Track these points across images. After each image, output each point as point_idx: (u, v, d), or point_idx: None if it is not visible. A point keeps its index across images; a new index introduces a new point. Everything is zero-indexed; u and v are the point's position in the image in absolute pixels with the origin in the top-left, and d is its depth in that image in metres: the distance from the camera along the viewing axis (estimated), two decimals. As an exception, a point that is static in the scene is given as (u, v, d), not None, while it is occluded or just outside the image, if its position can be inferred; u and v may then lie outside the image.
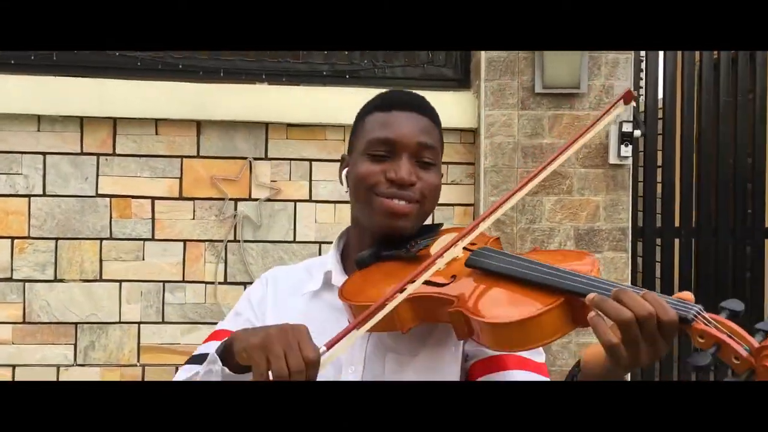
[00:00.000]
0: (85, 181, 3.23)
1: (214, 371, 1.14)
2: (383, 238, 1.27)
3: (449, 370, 1.23)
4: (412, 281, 1.12)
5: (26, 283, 3.20)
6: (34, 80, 3.15)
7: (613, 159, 3.27)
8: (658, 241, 3.71)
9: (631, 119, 3.26)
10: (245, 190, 3.30)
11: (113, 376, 3.23)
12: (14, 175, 3.20)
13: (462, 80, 3.46)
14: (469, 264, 1.16)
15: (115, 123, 3.23)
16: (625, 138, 3.22)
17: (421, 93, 3.68)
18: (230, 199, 3.28)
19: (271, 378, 1.03)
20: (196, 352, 1.34)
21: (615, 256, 3.32)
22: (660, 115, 3.70)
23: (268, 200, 3.31)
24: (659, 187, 3.69)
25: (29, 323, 3.20)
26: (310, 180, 3.33)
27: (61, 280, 3.22)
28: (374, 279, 1.23)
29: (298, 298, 1.34)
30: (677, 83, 3.75)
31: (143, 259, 3.25)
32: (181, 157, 3.28)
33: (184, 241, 3.27)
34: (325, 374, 1.23)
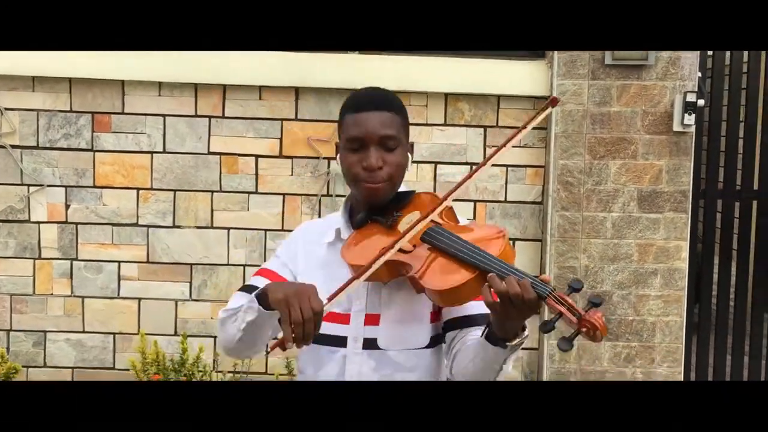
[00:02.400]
0: (198, 140, 3.68)
1: (254, 308, 1.60)
2: (369, 205, 1.72)
3: (424, 301, 1.66)
4: (383, 254, 1.59)
5: (149, 228, 3.70)
6: (155, 52, 3.59)
7: (676, 126, 3.51)
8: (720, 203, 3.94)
9: (695, 90, 3.48)
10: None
11: (222, 310, 3.72)
12: (139, 135, 3.68)
13: (537, 51, 3.73)
14: (423, 239, 1.62)
15: (224, 89, 3.66)
16: (688, 107, 3.45)
17: (496, 62, 4.08)
18: (324, 158, 3.69)
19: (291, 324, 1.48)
20: (248, 282, 1.78)
21: (675, 217, 3.59)
22: (726, 84, 3.89)
23: (358, 159, 3.69)
24: (722, 154, 3.91)
25: (152, 263, 3.71)
26: (396, 142, 3.68)
27: (179, 227, 3.71)
28: (364, 241, 1.68)
29: (320, 246, 1.77)
30: (743, 53, 3.92)
31: (248, 210, 3.71)
32: (282, 120, 3.68)
33: (284, 194, 3.70)
34: (342, 305, 1.70)
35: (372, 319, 1.68)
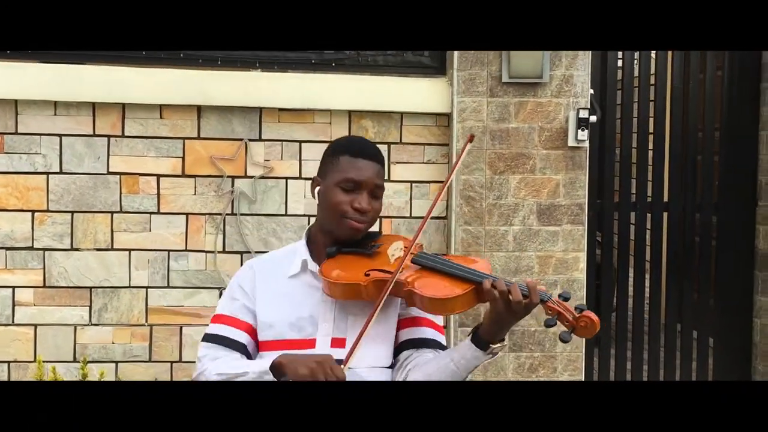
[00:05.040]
0: (97, 160, 3.59)
1: (266, 378, 1.72)
2: (344, 240, 1.88)
3: (391, 323, 1.86)
4: (390, 281, 1.76)
5: (46, 252, 3.58)
6: (50, 68, 3.49)
7: (571, 142, 3.64)
8: (616, 214, 4.09)
9: (588, 107, 3.62)
10: (241, 169, 3.67)
11: (124, 335, 3.62)
12: (34, 155, 3.56)
13: (438, 68, 3.80)
14: (415, 262, 1.83)
15: (123, 108, 3.59)
16: (582, 123, 3.59)
17: (398, 79, 4.16)
18: (228, 177, 3.65)
19: None
20: (210, 331, 1.89)
21: (573, 229, 3.71)
22: (618, 100, 4.06)
23: (262, 177, 3.68)
24: (617, 166, 4.07)
25: (49, 287, 3.58)
26: (300, 159, 3.69)
27: (77, 249, 3.60)
28: (343, 266, 1.84)
29: (281, 279, 1.88)
30: (634, 72, 4.10)
31: (150, 231, 3.63)
32: (183, 138, 3.64)
33: (187, 214, 3.65)
34: (307, 330, 1.80)
35: (338, 343, 1.79)
